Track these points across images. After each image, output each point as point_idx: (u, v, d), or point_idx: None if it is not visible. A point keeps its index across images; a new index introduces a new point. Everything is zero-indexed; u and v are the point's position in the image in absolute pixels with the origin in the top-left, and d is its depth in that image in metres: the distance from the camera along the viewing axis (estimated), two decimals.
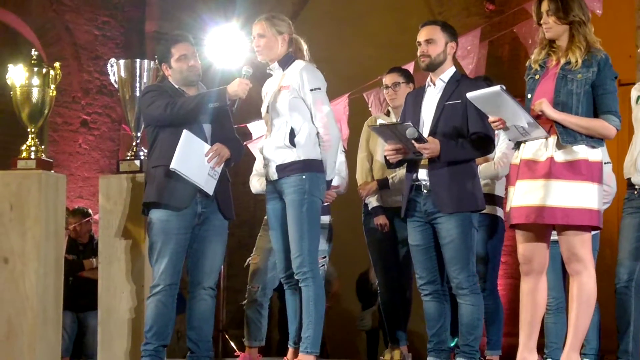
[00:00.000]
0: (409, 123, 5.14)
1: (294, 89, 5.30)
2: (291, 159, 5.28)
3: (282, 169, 5.31)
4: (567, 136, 4.62)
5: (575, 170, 4.60)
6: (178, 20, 10.87)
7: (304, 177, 5.25)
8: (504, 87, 4.60)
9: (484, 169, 6.02)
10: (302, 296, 5.27)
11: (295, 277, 5.30)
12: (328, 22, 11.66)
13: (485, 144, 5.23)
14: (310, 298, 5.22)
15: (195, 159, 5.36)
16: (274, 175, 5.36)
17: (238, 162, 5.71)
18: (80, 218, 8.89)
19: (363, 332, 10.96)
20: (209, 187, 5.42)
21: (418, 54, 5.34)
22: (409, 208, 5.33)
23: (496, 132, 5.20)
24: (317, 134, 5.33)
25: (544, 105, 4.63)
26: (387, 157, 5.31)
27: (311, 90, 5.29)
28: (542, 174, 4.63)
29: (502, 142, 6.04)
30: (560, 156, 4.62)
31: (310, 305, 5.23)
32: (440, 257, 5.28)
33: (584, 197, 4.58)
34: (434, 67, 5.32)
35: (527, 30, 7.93)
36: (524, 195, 4.67)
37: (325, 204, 6.23)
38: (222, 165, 5.47)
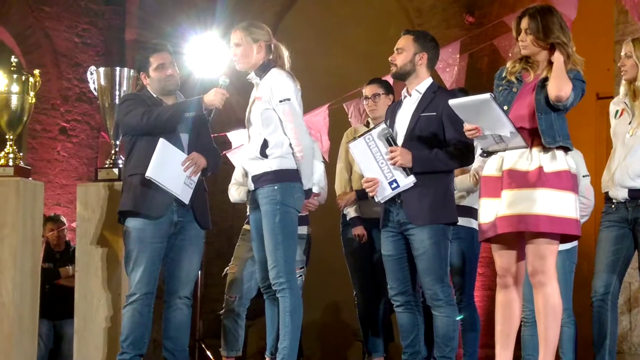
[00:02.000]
0: (383, 123, 5.20)
1: (265, 100, 5.24)
2: (263, 170, 5.23)
3: (256, 180, 5.28)
4: (547, 137, 4.58)
5: (561, 179, 4.59)
6: (158, 29, 10.85)
7: (275, 187, 5.19)
8: (494, 95, 4.58)
9: (459, 181, 6.02)
10: (279, 307, 5.22)
11: (272, 288, 5.27)
12: (308, 31, 11.65)
13: (465, 155, 5.23)
14: (287, 309, 5.18)
15: (171, 168, 5.35)
16: (252, 186, 5.33)
17: (217, 172, 5.70)
18: (55, 225, 8.82)
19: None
20: (185, 196, 5.41)
21: None
22: (384, 218, 5.34)
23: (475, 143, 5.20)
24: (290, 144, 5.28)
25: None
26: (366, 190, 5.35)
27: (280, 101, 5.21)
28: (532, 183, 4.58)
29: (478, 154, 6.03)
30: (548, 166, 4.59)
31: (287, 316, 5.18)
32: (412, 268, 5.28)
33: (568, 206, 4.57)
34: (400, 76, 5.36)
35: (506, 43, 7.95)
36: (510, 205, 4.59)
37: (305, 213, 6.24)
38: (199, 174, 5.47)
